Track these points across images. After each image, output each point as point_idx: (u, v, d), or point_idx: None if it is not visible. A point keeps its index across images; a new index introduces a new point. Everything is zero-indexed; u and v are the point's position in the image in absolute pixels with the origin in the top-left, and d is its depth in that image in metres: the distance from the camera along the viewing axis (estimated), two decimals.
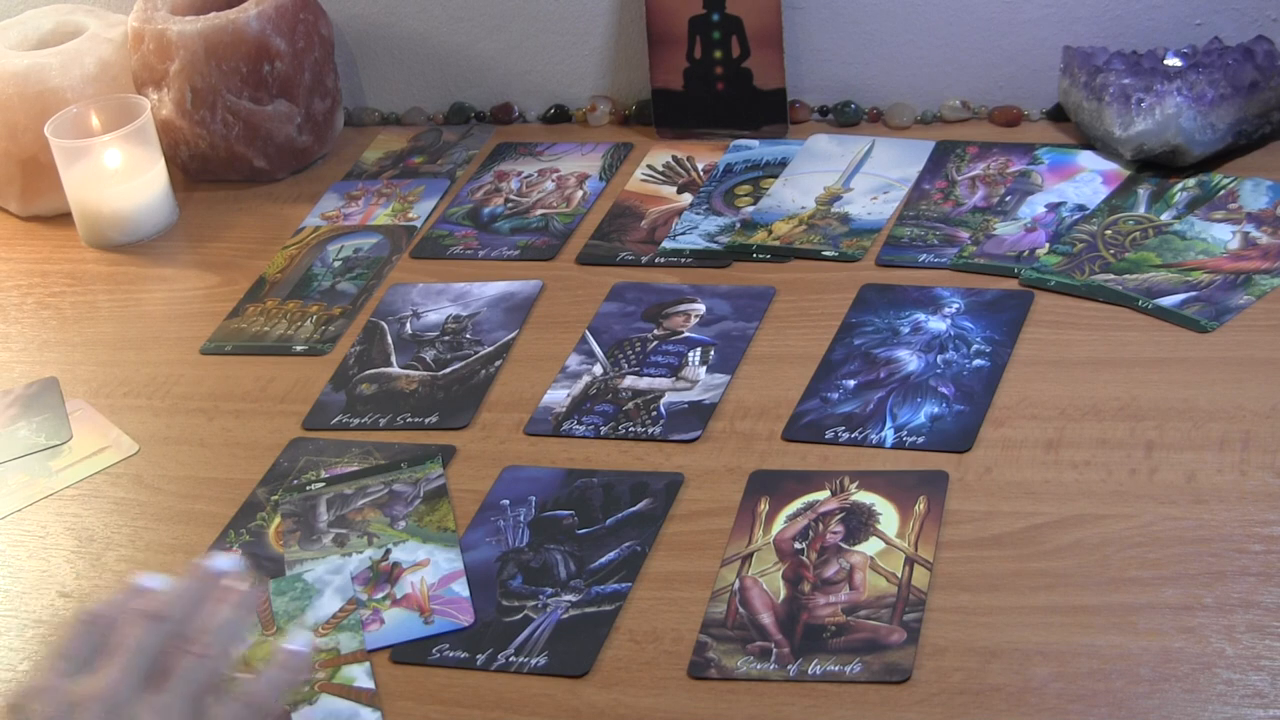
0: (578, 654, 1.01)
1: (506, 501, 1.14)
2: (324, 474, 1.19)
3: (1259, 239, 1.29)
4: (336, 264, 1.44)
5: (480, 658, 1.03)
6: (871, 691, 0.96)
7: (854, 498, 1.10)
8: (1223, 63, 1.38)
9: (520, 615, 1.05)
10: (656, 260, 1.38)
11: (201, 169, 1.58)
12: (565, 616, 1.04)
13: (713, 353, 1.26)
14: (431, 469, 1.16)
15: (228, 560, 0.97)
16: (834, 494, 1.10)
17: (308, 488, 1.18)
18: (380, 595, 1.08)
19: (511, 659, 1.02)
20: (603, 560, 1.08)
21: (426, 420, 1.23)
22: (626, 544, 1.09)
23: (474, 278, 1.40)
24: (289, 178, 1.59)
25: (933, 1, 1.50)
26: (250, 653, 1.03)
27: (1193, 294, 1.24)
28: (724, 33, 1.52)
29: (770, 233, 1.39)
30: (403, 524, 1.13)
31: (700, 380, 1.23)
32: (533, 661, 1.02)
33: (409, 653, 1.04)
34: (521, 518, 1.12)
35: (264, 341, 1.36)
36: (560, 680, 1.00)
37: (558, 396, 1.24)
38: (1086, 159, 1.42)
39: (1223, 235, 1.30)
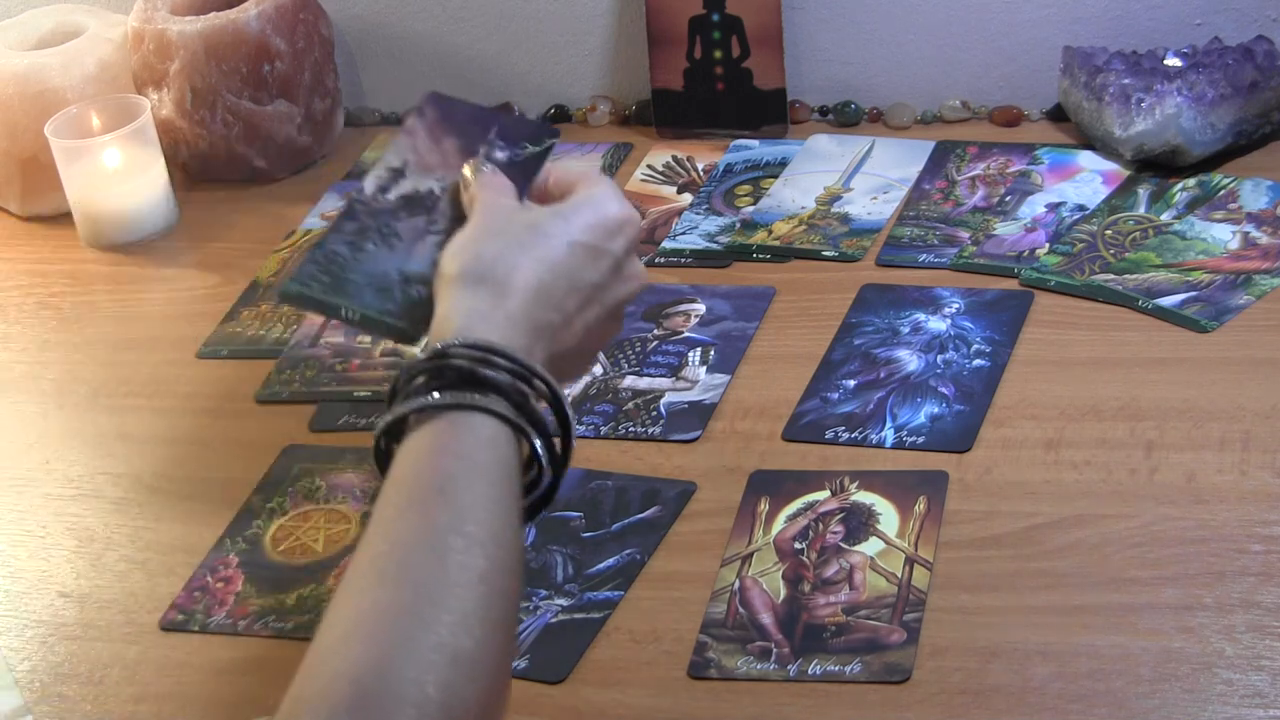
0: (558, 660, 1.01)
1: None
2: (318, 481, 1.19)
3: (1259, 239, 1.29)
4: None
5: None
6: (871, 691, 0.96)
7: (854, 498, 1.09)
8: (1223, 63, 1.38)
9: None
10: (656, 260, 1.38)
11: (201, 169, 1.58)
12: (553, 620, 1.04)
13: (713, 353, 1.26)
14: None
15: None
16: (834, 494, 1.10)
17: None
18: None
19: None
20: (600, 566, 1.08)
21: None
22: (627, 551, 1.08)
23: None
24: (289, 178, 1.59)
25: (933, 1, 1.50)
26: None
27: (1193, 294, 1.24)
28: (724, 33, 1.52)
29: (770, 233, 1.39)
30: None
31: (700, 380, 1.23)
32: (513, 664, 1.01)
33: None
34: None
35: (260, 345, 1.35)
36: (560, 680, 1.00)
37: None
38: (1086, 159, 1.42)
39: (1223, 235, 1.30)
